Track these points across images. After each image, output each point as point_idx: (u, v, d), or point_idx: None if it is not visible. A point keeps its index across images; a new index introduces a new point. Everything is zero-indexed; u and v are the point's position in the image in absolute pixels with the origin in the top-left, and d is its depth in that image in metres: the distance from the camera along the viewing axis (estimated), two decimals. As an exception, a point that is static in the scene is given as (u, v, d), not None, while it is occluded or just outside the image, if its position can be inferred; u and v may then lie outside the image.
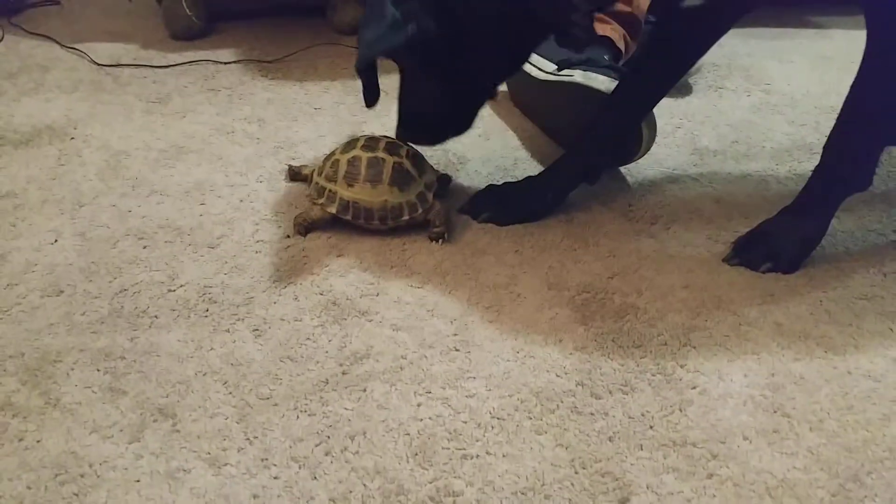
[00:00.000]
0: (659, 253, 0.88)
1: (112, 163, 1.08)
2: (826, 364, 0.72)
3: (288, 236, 0.92)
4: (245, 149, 1.12)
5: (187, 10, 1.50)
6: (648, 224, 0.94)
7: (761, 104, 1.26)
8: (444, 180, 0.98)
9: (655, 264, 0.86)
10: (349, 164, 0.88)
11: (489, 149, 1.12)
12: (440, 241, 0.88)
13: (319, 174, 0.91)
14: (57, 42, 1.51)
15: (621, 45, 1.14)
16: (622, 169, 1.05)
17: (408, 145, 0.93)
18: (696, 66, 1.27)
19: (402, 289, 0.82)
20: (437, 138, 0.97)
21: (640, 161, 1.07)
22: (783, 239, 0.86)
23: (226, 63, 1.42)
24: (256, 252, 0.89)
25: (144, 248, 0.90)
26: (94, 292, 0.82)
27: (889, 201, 0.98)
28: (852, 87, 0.80)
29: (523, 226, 0.94)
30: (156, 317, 0.79)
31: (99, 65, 1.42)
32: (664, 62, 0.92)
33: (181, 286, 0.83)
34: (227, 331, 0.77)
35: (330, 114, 1.23)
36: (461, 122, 0.93)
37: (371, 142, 0.90)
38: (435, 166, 0.98)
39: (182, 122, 1.21)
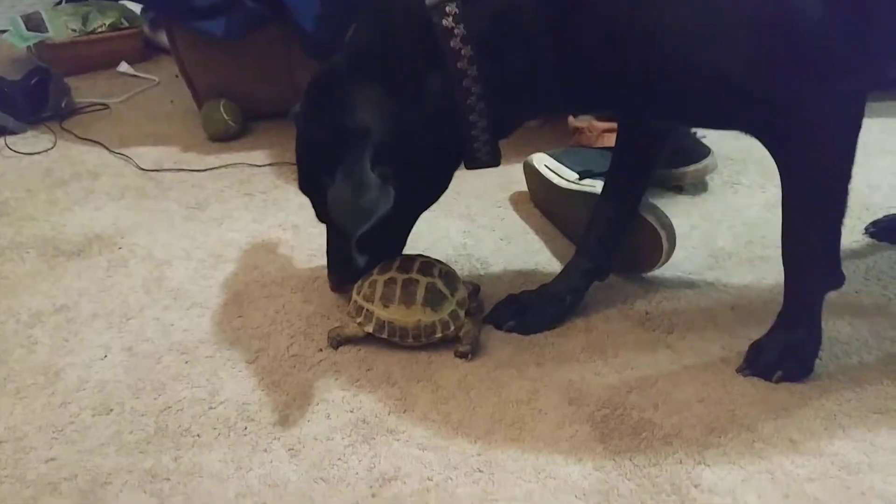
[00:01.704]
0: (675, 364, 0.92)
1: (156, 273, 1.16)
2: (840, 484, 0.75)
3: (321, 350, 0.97)
4: (280, 257, 1.19)
5: (224, 116, 1.60)
6: (665, 333, 0.98)
7: (776, 200, 1.27)
8: (473, 291, 1.02)
9: (672, 377, 0.90)
10: (385, 285, 0.94)
11: (511, 253, 1.18)
12: (465, 358, 0.93)
13: (358, 293, 0.97)
14: (105, 147, 1.62)
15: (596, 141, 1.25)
16: (642, 277, 1.09)
17: (440, 263, 0.98)
18: (712, 163, 1.33)
19: (429, 405, 0.87)
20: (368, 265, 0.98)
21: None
22: (783, 348, 0.89)
23: (260, 166, 1.51)
24: (292, 367, 0.94)
25: (186, 363, 0.96)
26: (141, 410, 0.88)
27: (902, 304, 1.01)
28: (782, 206, 0.85)
29: (544, 335, 0.98)
30: (198, 435, 0.84)
31: (143, 170, 1.51)
32: (637, 152, 1.00)
33: (221, 403, 0.89)
34: (265, 450, 0.82)
35: (359, 218, 1.29)
36: (399, 242, 1.02)
37: (406, 263, 0.96)
38: (459, 272, 1.02)
39: (220, 229, 1.29)
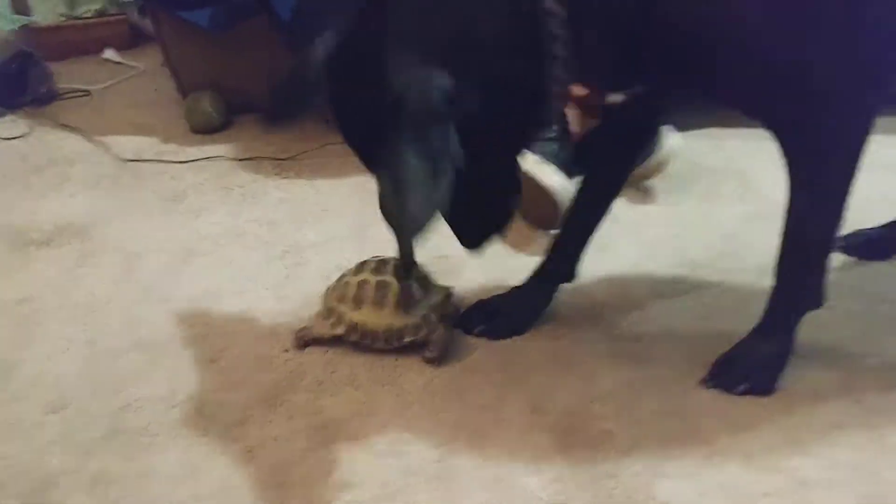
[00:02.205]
0: (639, 375, 0.92)
1: (125, 266, 1.15)
2: (795, 500, 0.75)
3: (286, 350, 0.96)
4: (254, 253, 1.18)
5: (209, 108, 1.59)
6: (632, 342, 0.98)
7: (752, 213, 1.29)
8: (447, 296, 1.00)
9: (635, 388, 0.90)
10: (358, 286, 0.93)
11: (485, 256, 1.17)
12: (433, 364, 0.92)
13: (331, 294, 0.96)
14: (84, 135, 1.60)
15: (577, 126, 1.23)
16: (612, 283, 1.09)
17: (417, 267, 0.95)
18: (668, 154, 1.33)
19: (392, 409, 0.86)
20: (493, 234, 0.91)
21: (630, 274, 1.12)
22: (753, 361, 0.89)
23: (241, 160, 1.50)
24: (257, 366, 0.94)
25: (149, 360, 0.95)
26: (97, 408, 0.87)
27: (866, 320, 1.01)
28: (784, 222, 0.85)
29: (512, 340, 0.98)
30: (156, 435, 0.83)
31: (122, 159, 1.50)
32: (614, 156, 0.99)
33: (181, 403, 0.88)
34: (222, 453, 0.81)
35: (338, 215, 1.29)
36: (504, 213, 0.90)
37: (381, 265, 0.95)
38: (433, 275, 1.01)
39: (196, 221, 1.28)
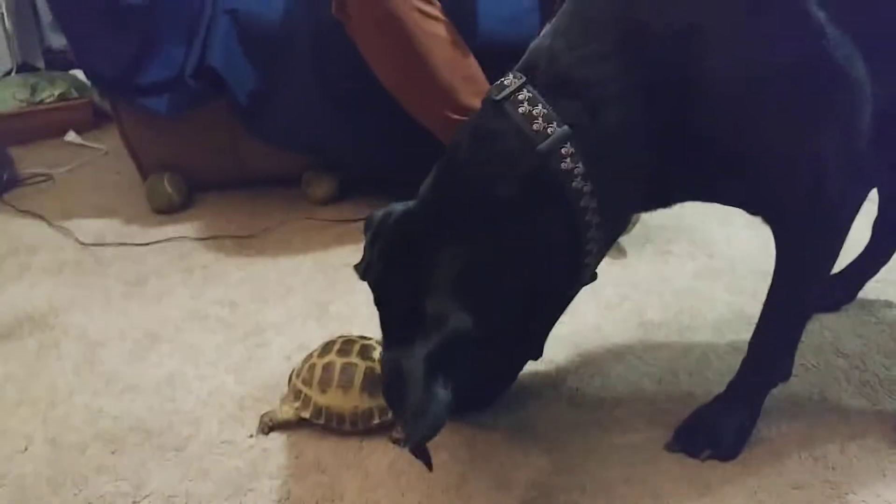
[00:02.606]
0: (603, 442, 0.93)
1: (88, 355, 1.14)
2: (758, 565, 0.76)
3: (251, 435, 0.96)
4: (216, 335, 1.18)
5: (168, 188, 1.61)
6: (594, 409, 0.99)
7: (704, 270, 1.34)
8: None
9: (599, 456, 0.91)
10: (324, 369, 0.94)
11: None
12: (399, 445, 0.92)
13: (297, 376, 0.97)
14: (46, 220, 1.61)
15: None
16: (574, 347, 1.11)
17: (381, 345, 0.94)
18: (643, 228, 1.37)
19: (357, 492, 0.87)
20: (460, 412, 0.92)
21: (590, 337, 1.15)
22: (719, 428, 0.91)
23: (203, 239, 1.51)
24: (221, 454, 0.93)
25: (113, 453, 0.94)
26: (60, 507, 0.86)
27: (820, 375, 1.04)
28: (768, 297, 0.89)
29: (477, 414, 0.99)
30: (119, 533, 0.82)
31: (83, 244, 1.50)
32: None
33: (146, 497, 0.87)
34: (187, 547, 0.80)
35: (300, 294, 1.30)
36: (512, 378, 0.96)
37: (347, 345, 0.96)
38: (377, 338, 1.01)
39: (158, 306, 1.28)
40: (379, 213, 0.86)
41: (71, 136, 2.09)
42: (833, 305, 1.20)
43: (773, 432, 0.94)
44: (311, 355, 0.98)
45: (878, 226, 1.14)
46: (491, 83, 1.40)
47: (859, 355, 1.08)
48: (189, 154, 1.65)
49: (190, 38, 1.46)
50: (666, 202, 0.89)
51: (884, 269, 1.29)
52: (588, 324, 1.18)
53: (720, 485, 0.86)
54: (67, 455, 0.94)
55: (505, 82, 0.77)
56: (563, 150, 0.73)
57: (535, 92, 0.74)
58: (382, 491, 0.86)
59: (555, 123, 0.73)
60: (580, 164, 0.73)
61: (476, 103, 1.36)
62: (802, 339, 1.06)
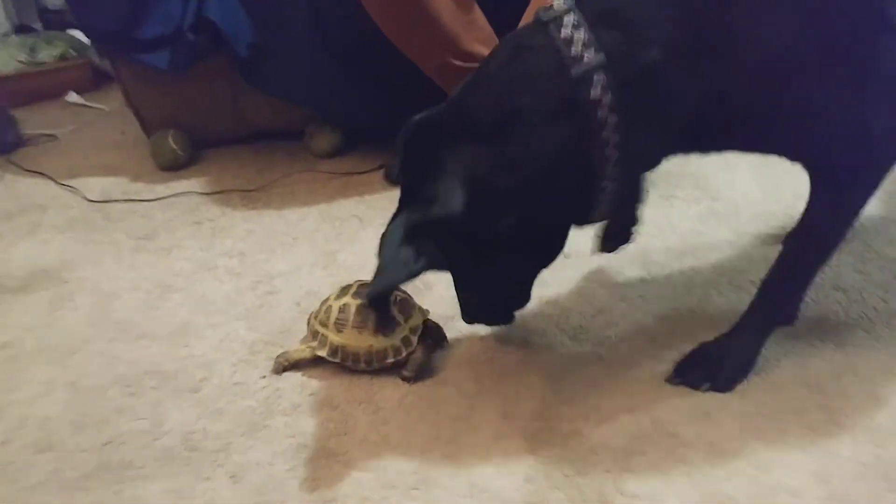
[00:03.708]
0: (605, 376, 0.96)
1: (102, 306, 1.17)
2: (752, 482, 0.79)
3: (263, 377, 0.99)
4: (225, 285, 1.21)
5: (173, 145, 1.62)
6: (598, 346, 1.02)
7: (708, 213, 1.35)
8: (432, 327, 1.01)
9: (601, 388, 0.93)
10: (340, 310, 0.96)
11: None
12: (408, 382, 0.95)
13: (315, 317, 0.99)
14: (53, 179, 1.62)
15: None
16: (578, 289, 1.14)
17: (397, 290, 0.99)
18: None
19: (368, 426, 0.89)
20: (484, 322, 1.00)
21: (594, 279, 1.17)
22: (721, 362, 0.94)
23: (209, 194, 1.53)
24: (235, 395, 0.96)
25: (131, 395, 0.97)
26: (83, 445, 0.89)
27: (818, 309, 1.06)
28: (791, 238, 0.91)
29: (483, 351, 1.02)
30: (141, 468, 0.86)
31: (91, 201, 1.52)
32: None
33: (165, 434, 0.90)
34: (207, 479, 0.84)
35: (307, 243, 1.32)
36: (521, 298, 0.97)
37: (363, 288, 0.99)
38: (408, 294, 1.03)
39: (168, 258, 1.30)
40: (414, 119, 0.88)
41: (72, 96, 2.10)
42: None
43: (770, 363, 0.96)
44: (328, 297, 1.00)
45: None
46: (495, 28, 1.41)
47: (858, 290, 1.10)
48: (192, 110, 1.66)
49: (187, -9, 1.46)
50: (703, 149, 0.88)
51: (886, 207, 1.30)
52: (592, 265, 1.19)
53: (718, 412, 0.89)
54: (87, 398, 0.97)
55: (553, 5, 0.77)
56: (595, 78, 0.74)
57: (581, 19, 0.75)
58: (393, 424, 0.89)
59: (592, 50, 0.74)
60: (609, 96, 0.74)
61: (478, 49, 1.37)
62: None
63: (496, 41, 1.38)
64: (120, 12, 1.45)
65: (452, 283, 0.96)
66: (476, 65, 1.36)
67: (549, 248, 0.89)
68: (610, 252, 1.14)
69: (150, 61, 1.49)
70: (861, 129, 0.79)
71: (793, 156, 0.85)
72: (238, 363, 1.02)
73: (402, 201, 0.84)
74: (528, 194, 0.79)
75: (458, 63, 1.32)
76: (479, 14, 1.34)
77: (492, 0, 1.36)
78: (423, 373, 0.97)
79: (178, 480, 0.83)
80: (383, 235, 0.81)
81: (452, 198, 0.77)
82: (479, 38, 1.33)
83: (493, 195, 0.78)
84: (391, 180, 0.92)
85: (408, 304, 0.99)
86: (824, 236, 0.90)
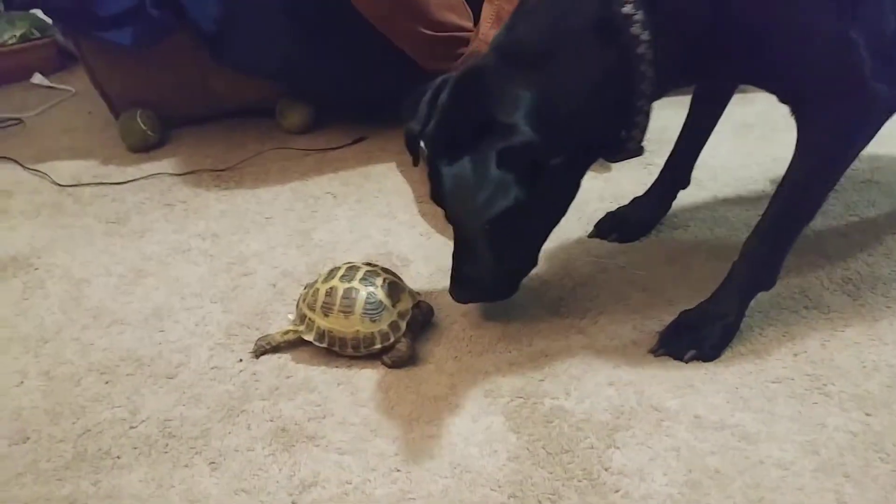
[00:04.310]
0: (587, 349, 0.95)
1: (74, 293, 1.14)
2: (740, 455, 0.79)
3: (240, 360, 0.97)
4: (200, 267, 1.18)
5: (142, 125, 1.58)
6: (579, 318, 1.01)
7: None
8: (425, 309, 0.99)
9: (584, 362, 0.93)
10: (326, 294, 0.94)
11: (430, 248, 1.19)
12: (389, 367, 0.93)
13: (303, 301, 0.97)
14: (20, 164, 1.58)
15: None
16: (558, 261, 1.12)
17: (386, 272, 0.97)
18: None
19: (348, 408, 0.88)
20: (485, 298, 1.00)
21: (574, 250, 1.15)
22: (704, 329, 0.93)
23: (181, 174, 1.49)
24: (212, 380, 0.94)
25: (107, 383, 0.95)
26: (59, 436, 0.87)
27: (802, 276, 1.06)
28: (774, 196, 0.90)
29: (462, 328, 1.00)
30: (118, 457, 0.84)
31: (60, 185, 1.48)
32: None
33: (142, 422, 0.88)
34: (186, 466, 0.82)
35: (280, 222, 1.29)
36: (510, 286, 0.99)
37: (350, 271, 0.96)
38: (385, 266, 1.01)
39: (140, 241, 1.27)
40: (422, 87, 0.91)
41: (37, 78, 2.03)
42: None
43: (754, 332, 0.96)
44: (316, 280, 0.98)
45: None
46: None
47: (842, 255, 1.09)
48: (160, 89, 1.61)
49: (148, -35, 1.40)
50: (707, 75, 0.95)
51: (868, 170, 1.30)
52: (572, 237, 1.18)
53: (703, 383, 0.88)
54: (62, 387, 0.95)
55: None
56: None
57: None
58: (372, 405, 0.88)
59: None
60: (640, 12, 0.78)
61: (448, 17, 1.33)
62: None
63: (467, 9, 1.35)
64: (79, -13, 1.39)
65: (455, 255, 0.95)
66: (446, 34, 1.34)
67: (574, 190, 0.93)
68: (604, 238, 1.17)
69: (112, 38, 1.44)
70: (847, 61, 0.80)
71: (785, 86, 0.87)
72: (215, 347, 1.00)
73: (454, 141, 0.82)
74: (584, 114, 0.83)
75: (428, 32, 1.28)
76: None
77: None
78: (406, 362, 0.94)
79: (157, 469, 0.82)
80: (454, 175, 0.80)
81: (531, 123, 0.79)
82: (448, 6, 1.29)
83: (559, 118, 0.81)
84: (413, 141, 0.92)
85: (397, 288, 0.96)
86: (809, 188, 0.89)
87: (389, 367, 0.93)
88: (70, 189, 1.47)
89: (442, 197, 0.87)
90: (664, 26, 0.79)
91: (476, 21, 1.36)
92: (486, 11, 1.32)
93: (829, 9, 0.79)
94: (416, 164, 0.98)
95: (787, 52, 0.82)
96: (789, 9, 0.79)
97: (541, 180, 0.83)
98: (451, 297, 0.97)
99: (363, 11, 1.31)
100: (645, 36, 0.79)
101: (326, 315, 0.93)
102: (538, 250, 0.98)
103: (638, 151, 0.91)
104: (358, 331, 0.92)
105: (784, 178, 0.90)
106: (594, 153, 0.92)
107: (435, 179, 0.87)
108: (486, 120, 0.80)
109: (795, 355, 0.92)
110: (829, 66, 0.82)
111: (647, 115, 0.86)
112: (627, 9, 0.78)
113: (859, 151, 0.88)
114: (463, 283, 0.95)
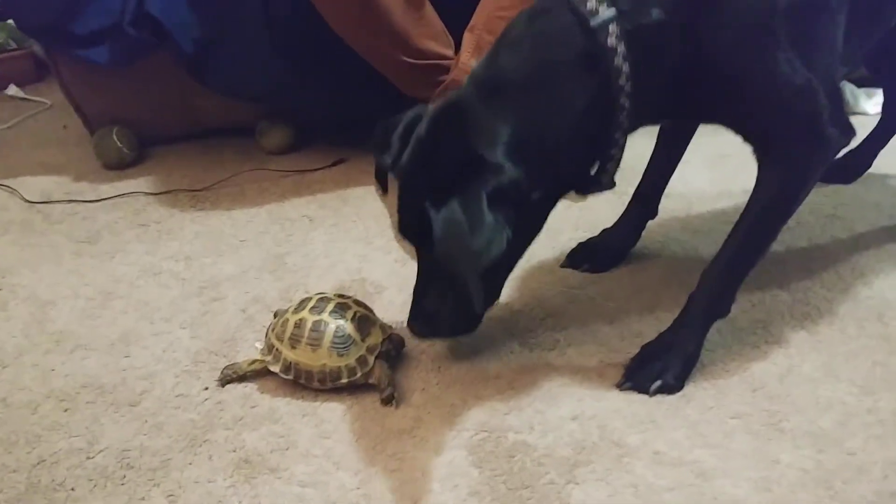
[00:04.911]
0: (553, 382, 0.95)
1: (38, 315, 1.13)
2: (695, 492, 0.79)
3: (206, 388, 0.97)
4: (171, 290, 1.17)
5: (118, 143, 1.57)
6: (548, 350, 1.01)
7: (661, 210, 1.34)
8: (396, 341, 0.98)
9: (549, 395, 0.93)
10: (295, 325, 0.93)
11: (404, 275, 1.19)
12: (392, 404, 0.92)
13: (272, 330, 0.96)
14: (-11, 179, 1.56)
15: None
16: (528, 290, 1.13)
17: (357, 305, 0.96)
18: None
19: (312, 440, 0.88)
20: (447, 334, 0.99)
21: (545, 280, 1.16)
22: (664, 360, 0.94)
23: (156, 194, 1.48)
24: (175, 408, 0.94)
25: (65, 411, 0.94)
26: (12, 466, 0.86)
27: (766, 310, 1.07)
28: (734, 231, 0.93)
29: (430, 359, 1.00)
30: (72, 489, 0.83)
31: (30, 202, 1.47)
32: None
33: (100, 452, 0.87)
34: (143, 499, 0.81)
35: (254, 245, 1.29)
36: (473, 321, 0.97)
37: (321, 303, 0.95)
38: (353, 296, 1.01)
39: (111, 263, 1.26)
40: (394, 118, 0.92)
41: (12, 89, 2.02)
42: (849, 178, 1.40)
43: (717, 367, 0.97)
44: (286, 310, 0.97)
45: (885, 108, 1.40)
46: (448, 25, 1.39)
47: (803, 289, 1.11)
48: (137, 106, 1.61)
49: (126, -16, 1.40)
50: (678, 114, 0.98)
51: (831, 205, 1.32)
52: (544, 267, 1.19)
53: (664, 418, 0.89)
54: (18, 414, 0.93)
55: None
56: (610, 28, 0.80)
57: None
58: (336, 437, 0.88)
59: (605, 5, 0.80)
60: (622, 45, 0.80)
61: (430, 46, 1.34)
62: (751, 274, 1.10)
63: (448, 38, 1.36)
64: (55, 4, 1.39)
65: (417, 289, 0.94)
66: (427, 62, 1.35)
67: (544, 222, 0.93)
68: (576, 268, 1.18)
69: (88, 56, 1.43)
70: (807, 103, 0.84)
71: (752, 128, 0.90)
72: (181, 374, 0.99)
73: (440, 180, 0.81)
74: (565, 148, 0.84)
75: (409, 60, 1.29)
76: (429, 10, 1.32)
77: (443, -2, 1.34)
78: (399, 392, 0.93)
79: (112, 502, 0.81)
80: (446, 220, 0.77)
81: (514, 159, 0.80)
82: (430, 34, 1.31)
83: (541, 152, 0.82)
84: (382, 175, 0.94)
85: (367, 321, 0.95)
86: (767, 223, 0.93)
87: (388, 402, 0.91)
88: (40, 206, 1.46)
89: (412, 232, 0.88)
90: (643, 61, 0.81)
91: (457, 49, 1.37)
92: (467, 41, 1.34)
93: (796, 58, 0.81)
94: (385, 192, 0.99)
95: (757, 99, 0.85)
96: (760, 58, 0.82)
97: (521, 214, 0.83)
98: (411, 333, 0.96)
99: (345, 38, 1.32)
100: (626, 68, 0.81)
101: (294, 347, 0.93)
102: (504, 283, 0.98)
103: (609, 185, 0.92)
104: (325, 364, 0.92)
105: (744, 212, 0.93)
106: (569, 186, 0.92)
107: (408, 217, 0.87)
108: (468, 156, 0.80)
109: (754, 391, 0.93)
110: (794, 112, 0.85)
111: (621, 149, 0.88)
112: (612, 41, 0.80)
113: (811, 188, 0.92)
114: (426, 319, 0.95)
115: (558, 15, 0.82)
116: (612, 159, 0.88)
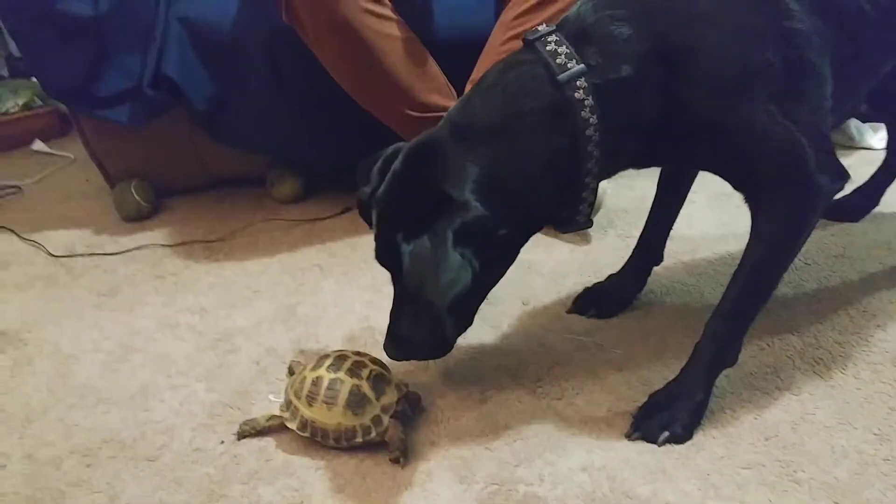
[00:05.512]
0: (563, 431, 0.96)
1: (62, 370, 1.16)
2: (707, 546, 0.79)
3: (222, 442, 0.99)
4: (187, 343, 1.20)
5: (136, 196, 1.62)
6: (556, 399, 1.02)
7: (665, 254, 1.36)
8: (412, 399, 0.99)
9: (559, 446, 0.94)
10: (312, 383, 0.95)
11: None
12: (398, 464, 0.93)
13: (291, 387, 0.98)
14: (16, 233, 1.61)
15: None
16: (535, 338, 1.14)
17: (373, 363, 0.98)
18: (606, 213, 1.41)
19: (325, 494, 0.89)
20: (420, 356, 1.01)
21: (552, 327, 1.17)
22: (672, 410, 0.95)
23: (172, 245, 1.52)
24: (193, 462, 0.96)
25: (88, 466, 0.97)
26: (38, 524, 0.88)
27: (775, 355, 1.07)
28: (733, 280, 0.94)
29: (440, 411, 1.02)
30: (94, 548, 0.85)
31: (54, 256, 1.51)
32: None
33: (121, 508, 0.90)
34: (161, 557, 0.83)
35: (267, 296, 1.32)
36: (445, 346, 0.99)
37: (338, 361, 0.97)
38: (361, 346, 1.02)
39: (130, 315, 1.30)
40: (375, 155, 0.97)
41: (38, 144, 2.09)
42: (856, 216, 1.40)
43: (727, 415, 0.97)
44: (304, 367, 0.99)
45: (890, 146, 1.40)
46: (450, 78, 1.43)
47: (814, 333, 1.11)
48: (154, 160, 1.66)
49: (145, 48, 1.46)
50: (658, 161, 1.01)
51: (840, 245, 1.33)
52: (550, 313, 1.21)
53: (675, 469, 0.90)
54: (44, 471, 0.96)
55: (538, 29, 0.88)
56: (577, 83, 0.84)
57: (562, 37, 0.86)
58: (349, 491, 0.89)
59: (574, 61, 0.84)
60: (590, 98, 0.84)
61: (434, 99, 1.38)
62: (758, 317, 1.11)
63: (451, 92, 1.40)
64: (78, 69, 1.45)
65: (393, 314, 0.97)
66: (432, 115, 1.39)
67: (515, 255, 0.96)
68: (583, 314, 1.20)
69: (109, 116, 1.49)
70: (793, 153, 0.86)
71: (736, 176, 0.92)
72: (197, 427, 1.02)
73: (412, 217, 0.86)
74: (530, 189, 0.87)
75: (414, 114, 1.33)
76: (433, 65, 1.36)
77: (445, 52, 1.38)
78: (408, 452, 0.94)
79: (132, 559, 0.83)
80: (414, 255, 0.84)
81: (479, 197, 0.84)
82: (433, 88, 1.34)
83: (506, 191, 0.86)
84: (365, 207, 0.97)
85: (383, 380, 0.96)
86: (765, 271, 0.94)
87: (396, 461, 0.92)
88: (63, 259, 1.50)
89: (388, 259, 0.93)
90: (612, 113, 0.85)
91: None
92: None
93: (775, 110, 0.84)
94: (371, 227, 1.01)
95: (738, 150, 0.88)
96: (735, 113, 0.85)
97: (487, 250, 0.87)
98: (386, 354, 0.99)
99: (351, 94, 1.36)
100: (593, 120, 0.85)
101: (310, 405, 0.94)
102: (475, 312, 1.00)
103: (587, 224, 0.96)
104: (340, 423, 0.93)
105: (741, 261, 0.94)
106: (538, 224, 0.96)
107: (384, 246, 0.92)
108: (437, 192, 0.85)
109: (767, 439, 0.93)
110: (777, 163, 0.87)
111: (593, 192, 0.91)
112: (579, 94, 0.84)
113: (808, 235, 0.92)
114: (400, 342, 0.98)
115: (531, 67, 0.86)
116: (584, 202, 0.92)
